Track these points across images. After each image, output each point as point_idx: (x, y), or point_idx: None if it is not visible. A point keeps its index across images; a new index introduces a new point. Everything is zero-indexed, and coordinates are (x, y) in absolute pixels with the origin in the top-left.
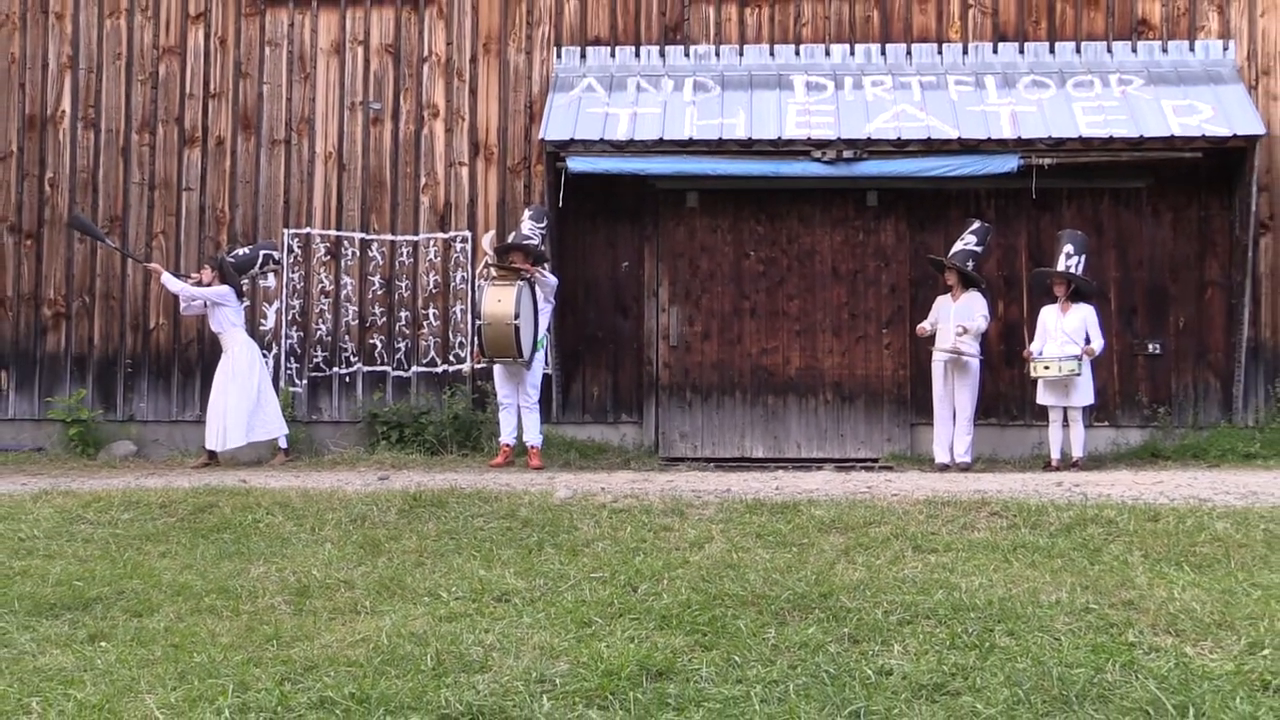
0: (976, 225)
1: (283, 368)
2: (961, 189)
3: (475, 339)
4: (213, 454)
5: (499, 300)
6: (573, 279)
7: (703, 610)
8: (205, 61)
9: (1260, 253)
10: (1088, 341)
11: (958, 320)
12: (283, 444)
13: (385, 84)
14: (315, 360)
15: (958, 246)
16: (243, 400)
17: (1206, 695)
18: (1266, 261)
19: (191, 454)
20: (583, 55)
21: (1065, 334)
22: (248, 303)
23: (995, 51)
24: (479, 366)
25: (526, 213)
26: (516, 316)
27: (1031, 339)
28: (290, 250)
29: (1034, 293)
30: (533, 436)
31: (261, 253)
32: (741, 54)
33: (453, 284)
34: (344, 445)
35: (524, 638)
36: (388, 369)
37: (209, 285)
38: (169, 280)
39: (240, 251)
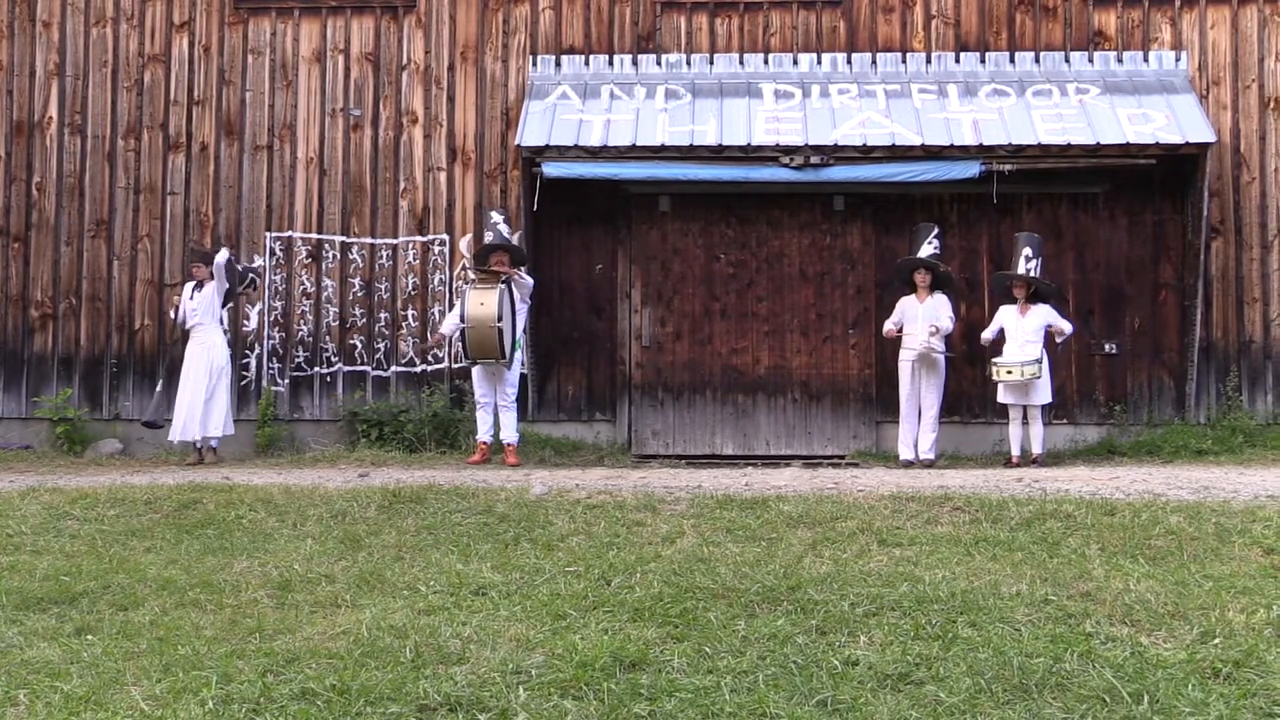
0: (936, 229)
1: (265, 367)
2: (925, 194)
3: (461, 340)
4: (200, 452)
5: (481, 303)
6: (548, 281)
7: (674, 603)
8: (189, 69)
9: (1211, 256)
10: (1048, 338)
11: (927, 320)
12: (214, 444)
13: (365, 91)
14: (297, 360)
15: (927, 250)
16: (226, 394)
17: (1161, 683)
18: (1217, 265)
19: (175, 453)
20: (558, 63)
21: (1026, 335)
22: (231, 304)
23: (957, 61)
24: (458, 367)
25: (498, 216)
26: (500, 319)
27: (986, 329)
28: (273, 253)
29: (995, 295)
30: (509, 434)
31: (250, 275)
32: (712, 62)
33: (431, 286)
34: (325, 443)
35: (500, 630)
36: (368, 369)
37: (203, 280)
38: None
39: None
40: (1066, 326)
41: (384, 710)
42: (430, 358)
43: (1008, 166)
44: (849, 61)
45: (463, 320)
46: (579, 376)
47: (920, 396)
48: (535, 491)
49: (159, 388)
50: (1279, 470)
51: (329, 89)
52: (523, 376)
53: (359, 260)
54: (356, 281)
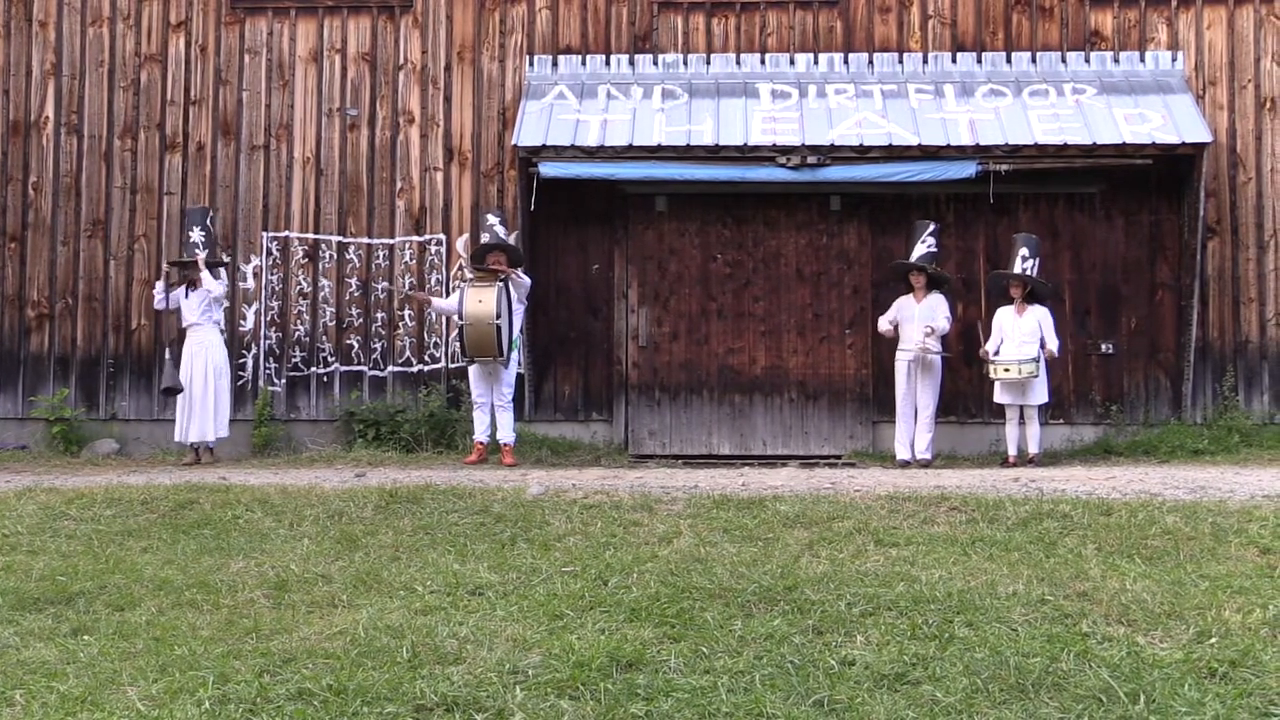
0: (933, 227)
1: (261, 367)
2: (922, 194)
3: (459, 338)
4: (197, 452)
5: (480, 301)
6: (545, 281)
7: (671, 603)
8: (186, 69)
9: (1208, 256)
10: (1043, 344)
11: (924, 321)
12: (210, 444)
13: (362, 91)
14: (293, 360)
15: (921, 249)
16: (226, 395)
17: (1157, 683)
18: (1214, 265)
19: (173, 453)
20: (554, 63)
21: (1022, 335)
22: (227, 304)
23: (954, 61)
24: (455, 367)
25: (493, 217)
26: (498, 316)
27: (988, 339)
28: (269, 253)
29: (991, 295)
30: (506, 434)
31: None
32: (709, 62)
33: (428, 286)
34: (321, 443)
35: (497, 630)
36: (364, 369)
37: (196, 282)
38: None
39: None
40: (1053, 345)
41: (380, 710)
42: (427, 358)
43: (1004, 166)
44: (846, 62)
45: (461, 318)
46: (576, 376)
47: (916, 396)
48: (532, 491)
49: (169, 356)
50: (1275, 470)
51: (326, 89)
52: (520, 376)
53: (356, 260)
54: (353, 281)
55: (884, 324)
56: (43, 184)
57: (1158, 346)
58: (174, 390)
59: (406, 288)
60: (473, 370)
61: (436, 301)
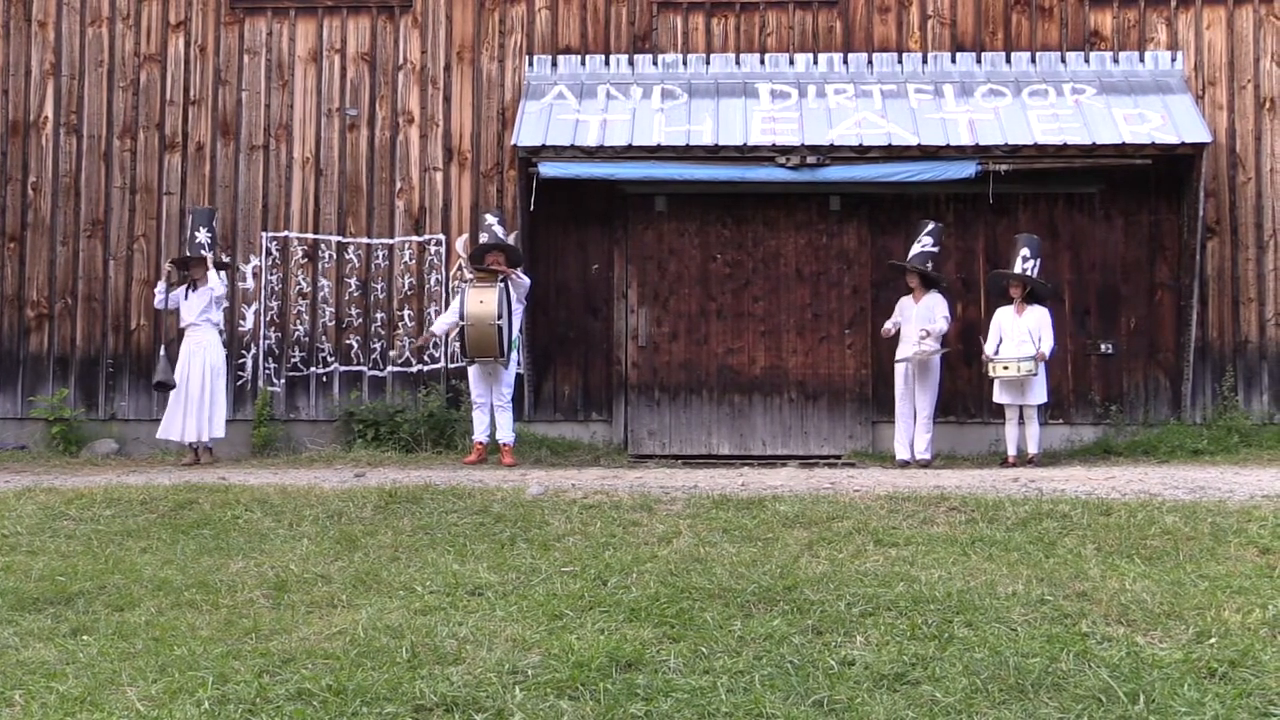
0: (931, 226)
1: (261, 368)
2: (921, 194)
3: (460, 338)
4: (196, 452)
5: (481, 301)
6: (545, 281)
7: (671, 603)
8: (185, 69)
9: (1207, 256)
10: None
11: (920, 323)
12: (209, 444)
13: (361, 91)
14: (293, 360)
15: (916, 249)
16: (223, 395)
17: (1156, 683)
18: (1213, 265)
19: (172, 453)
20: (554, 63)
21: (1021, 335)
22: (226, 304)
23: (953, 61)
24: (454, 367)
25: (492, 218)
26: (500, 317)
27: (986, 341)
28: (269, 253)
29: (991, 295)
30: (505, 434)
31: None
32: (708, 62)
33: (427, 286)
34: (321, 443)
35: (496, 630)
36: (364, 369)
37: (197, 281)
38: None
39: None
40: (1047, 347)
41: (380, 710)
42: (426, 358)
43: (1004, 166)
44: (845, 61)
45: (462, 318)
46: (575, 376)
47: (914, 397)
48: (531, 491)
49: (162, 351)
50: (1274, 470)
51: (325, 89)
52: (519, 376)
53: (355, 260)
54: (353, 281)
55: (888, 326)
56: (42, 184)
57: (1157, 346)
58: (166, 385)
59: (408, 346)
60: (472, 370)
61: (437, 328)
